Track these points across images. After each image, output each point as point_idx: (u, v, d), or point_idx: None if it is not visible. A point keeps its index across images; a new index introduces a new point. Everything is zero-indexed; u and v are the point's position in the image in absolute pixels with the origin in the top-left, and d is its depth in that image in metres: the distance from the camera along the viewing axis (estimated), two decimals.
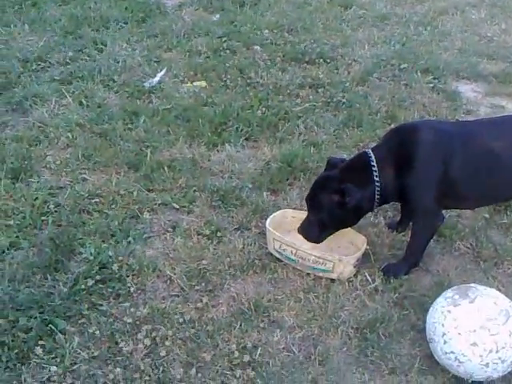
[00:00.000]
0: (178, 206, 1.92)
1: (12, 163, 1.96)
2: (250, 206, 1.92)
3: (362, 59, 2.82)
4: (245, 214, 1.90)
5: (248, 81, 2.62)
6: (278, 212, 1.84)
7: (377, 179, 1.61)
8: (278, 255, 1.72)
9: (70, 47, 2.67)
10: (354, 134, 2.28)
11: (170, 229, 1.84)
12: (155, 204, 1.92)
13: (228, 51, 2.82)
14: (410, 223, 1.74)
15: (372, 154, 1.63)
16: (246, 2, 3.21)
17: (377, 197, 1.63)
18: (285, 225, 1.80)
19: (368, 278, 1.65)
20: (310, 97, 2.52)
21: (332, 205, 1.61)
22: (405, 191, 1.63)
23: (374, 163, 1.62)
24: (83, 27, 2.82)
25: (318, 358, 1.43)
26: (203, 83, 2.59)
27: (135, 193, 1.94)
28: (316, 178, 1.73)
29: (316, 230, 1.67)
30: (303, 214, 1.73)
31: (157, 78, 2.56)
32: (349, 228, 1.73)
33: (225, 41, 2.89)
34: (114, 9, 3.01)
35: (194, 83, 2.58)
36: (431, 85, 2.64)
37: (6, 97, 2.31)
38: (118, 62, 2.61)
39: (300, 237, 1.71)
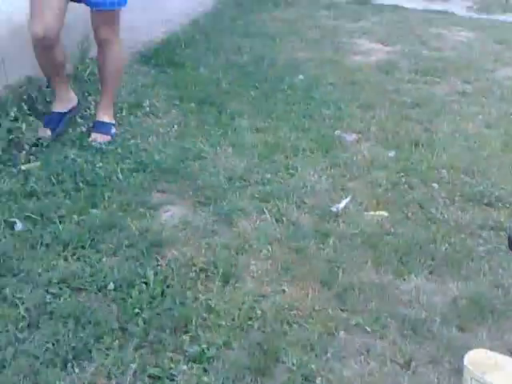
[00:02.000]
0: (370, 330, 2.00)
1: (222, 268, 2.17)
2: (441, 341, 1.97)
3: None
4: (436, 348, 1.94)
5: (428, 215, 2.73)
6: (474, 350, 1.85)
7: None
8: None
9: (266, 170, 2.93)
10: None
11: (364, 351, 1.91)
12: (349, 324, 2.01)
13: (406, 186, 2.97)
14: None
15: None
16: (421, 142, 3.38)
17: None
18: (482, 365, 1.81)
19: None
20: (493, 238, 2.58)
21: None
22: None
23: None
24: (276, 153, 3.10)
25: None
26: (385, 213, 2.73)
27: (330, 310, 2.06)
28: None
29: None
30: (500, 357, 1.74)
31: (342, 204, 2.73)
32: None
33: (402, 176, 3.05)
34: (301, 139, 3.29)
35: (377, 212, 2.73)
36: None
37: (215, 208, 2.57)
38: (307, 186, 2.83)
39: (499, 378, 1.71)
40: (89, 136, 3.07)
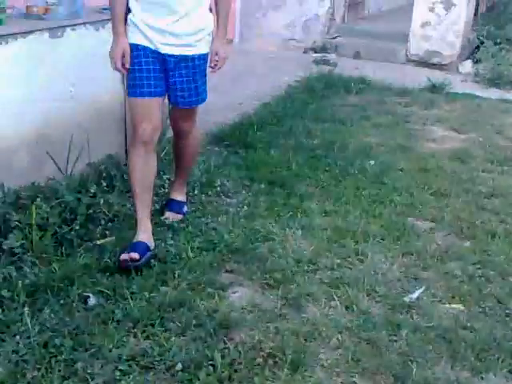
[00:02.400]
0: None
1: (291, 355, 2.11)
2: None
3: None
4: None
5: (507, 311, 2.60)
6: None
7: None
8: None
9: (335, 254, 2.90)
10: None
11: None
12: None
13: (483, 278, 2.85)
14: None
15: None
16: (498, 233, 3.27)
17: None
18: None
19: None
20: None
21: None
22: None
23: None
24: (346, 238, 3.07)
25: None
26: (461, 306, 2.62)
27: None
28: None
29: None
30: None
31: (415, 295, 2.65)
32: None
33: (478, 268, 2.93)
34: (371, 225, 3.25)
35: (452, 305, 2.62)
36: None
37: (283, 292, 2.54)
38: (378, 274, 2.77)
39: None
40: (162, 214, 3.13)
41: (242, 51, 7.20)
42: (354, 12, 8.53)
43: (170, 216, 3.11)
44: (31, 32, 2.89)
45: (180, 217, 3.13)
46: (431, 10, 7.01)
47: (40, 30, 2.92)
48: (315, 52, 7.59)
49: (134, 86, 2.73)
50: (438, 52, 7.12)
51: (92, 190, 2.99)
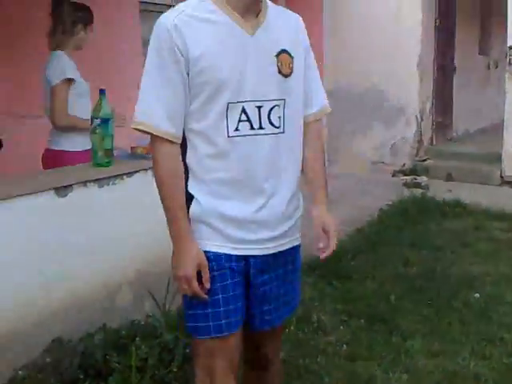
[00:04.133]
0: None
1: None
2: None
3: None
4: None
5: None
6: None
7: None
8: None
9: None
10: None
11: None
12: None
13: None
14: None
15: None
16: None
17: None
18: None
19: None
20: None
21: None
22: None
23: None
24: (456, 383, 2.84)
25: None
26: None
27: None
28: None
29: None
30: None
31: None
32: None
33: None
34: (482, 368, 3.02)
35: None
36: None
37: None
38: None
39: None
40: None
41: (330, 175, 7.25)
42: (441, 134, 8.53)
43: None
44: (136, 172, 3.02)
45: None
46: None
47: (145, 170, 3.05)
48: (405, 175, 7.55)
49: (212, 317, 1.73)
50: None
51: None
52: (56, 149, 3.45)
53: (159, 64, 1.68)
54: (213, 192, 1.73)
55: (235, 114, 1.70)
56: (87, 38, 3.55)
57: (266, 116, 1.74)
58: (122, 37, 4.95)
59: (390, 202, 6.15)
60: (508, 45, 7.09)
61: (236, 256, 1.75)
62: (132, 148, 3.19)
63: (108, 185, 2.85)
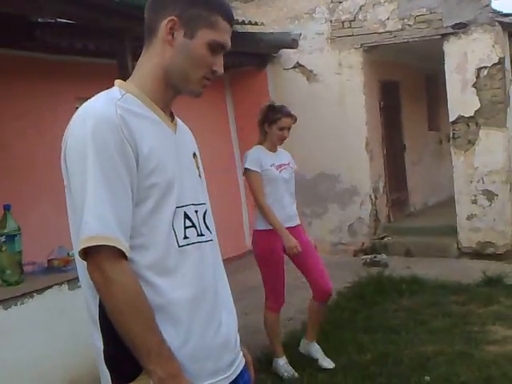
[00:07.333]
0: None
1: None
2: None
3: None
4: None
5: None
6: None
7: None
8: None
9: None
10: None
11: None
12: None
13: None
14: None
15: None
16: None
17: None
18: None
19: None
20: None
21: None
22: None
23: None
24: None
25: None
26: None
27: None
28: None
29: None
30: None
31: None
32: None
33: None
34: None
35: None
36: None
37: None
38: None
39: None
40: None
41: (289, 262, 7.20)
42: (399, 210, 8.60)
43: None
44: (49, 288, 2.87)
45: None
46: (474, 201, 6.97)
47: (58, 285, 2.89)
48: (365, 254, 7.53)
49: None
50: (490, 242, 6.93)
51: None
52: None
53: (104, 164, 1.33)
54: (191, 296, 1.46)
55: (180, 219, 1.45)
56: None
57: (202, 221, 1.52)
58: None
59: (349, 285, 6.08)
60: (450, 120, 7.32)
61: None
62: (49, 261, 3.11)
63: (16, 305, 2.70)
